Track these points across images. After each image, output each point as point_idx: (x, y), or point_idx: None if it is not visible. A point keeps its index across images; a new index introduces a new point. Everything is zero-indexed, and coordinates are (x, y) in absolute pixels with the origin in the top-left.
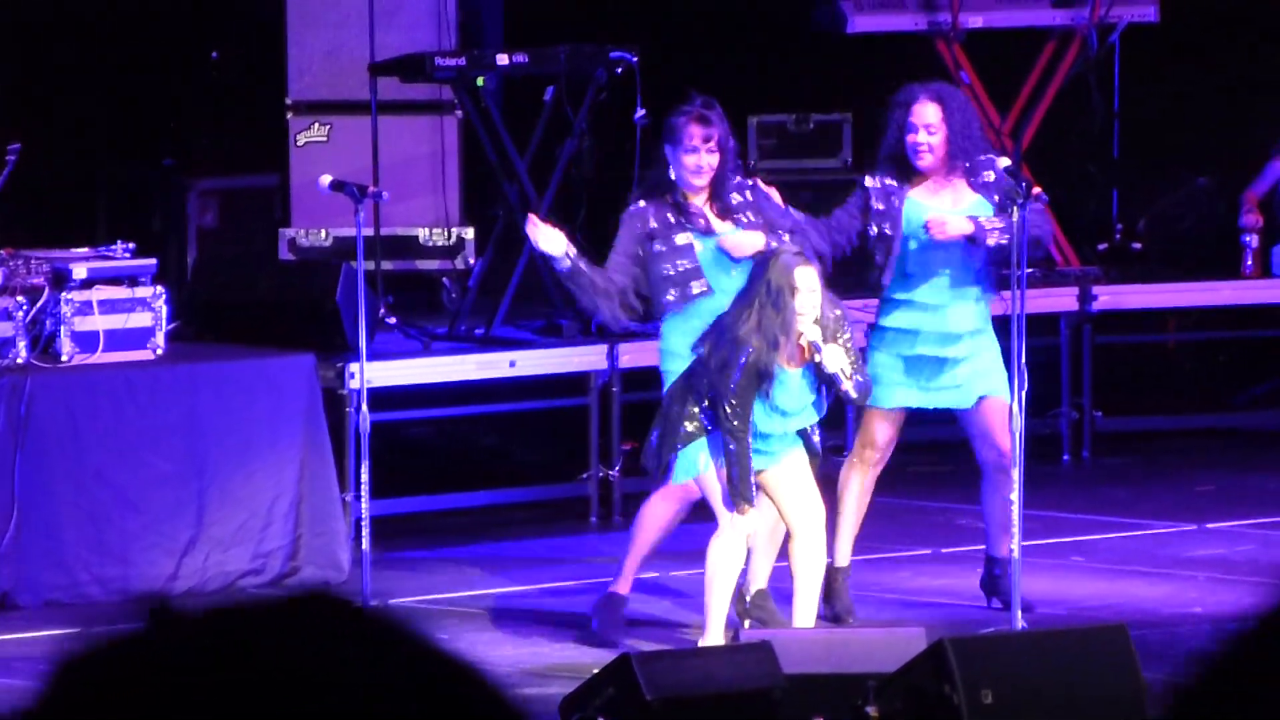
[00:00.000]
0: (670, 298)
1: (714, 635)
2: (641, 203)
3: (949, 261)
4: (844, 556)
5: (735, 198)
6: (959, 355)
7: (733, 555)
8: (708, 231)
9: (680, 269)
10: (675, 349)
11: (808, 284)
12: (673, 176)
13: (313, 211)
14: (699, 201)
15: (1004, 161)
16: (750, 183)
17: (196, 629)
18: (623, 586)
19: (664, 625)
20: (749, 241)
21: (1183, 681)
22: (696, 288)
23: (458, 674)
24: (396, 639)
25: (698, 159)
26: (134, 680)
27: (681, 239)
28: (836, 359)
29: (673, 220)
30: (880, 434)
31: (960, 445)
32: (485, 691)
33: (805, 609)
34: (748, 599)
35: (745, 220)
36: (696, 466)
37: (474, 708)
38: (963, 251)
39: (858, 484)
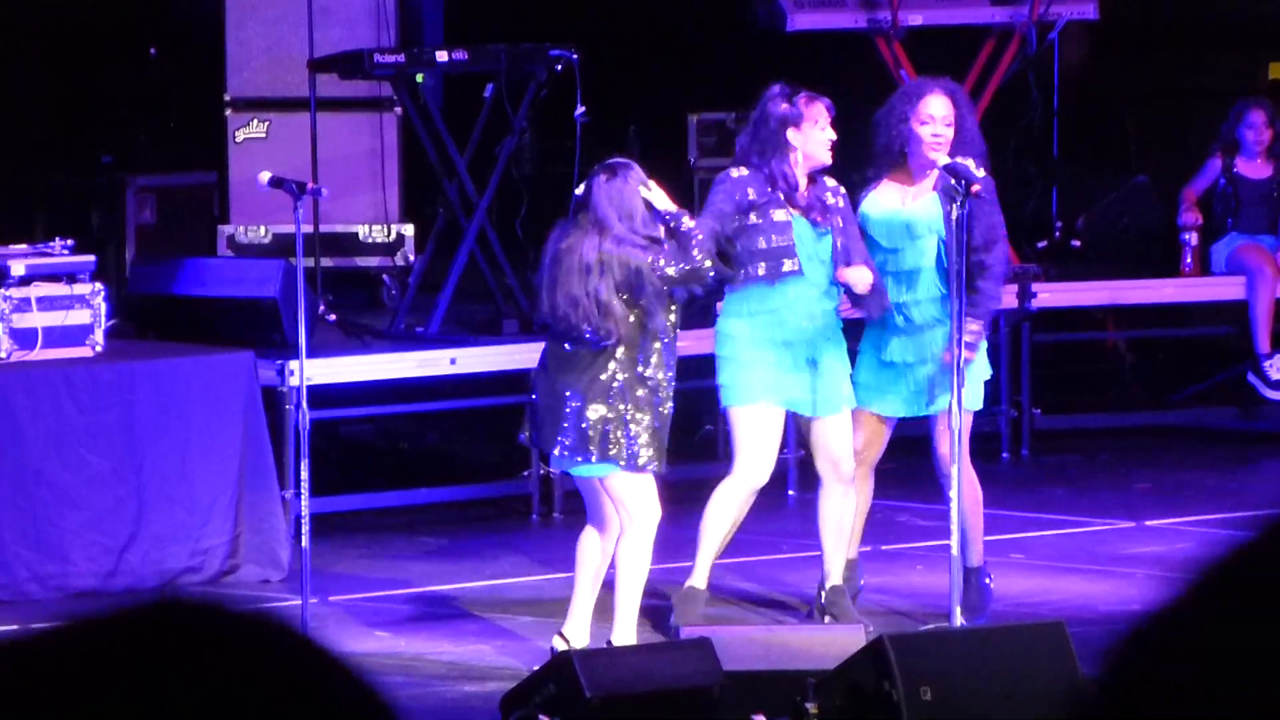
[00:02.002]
0: (760, 272)
1: (625, 633)
2: (741, 171)
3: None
4: (849, 549)
5: (829, 198)
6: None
7: (643, 554)
8: (809, 215)
9: (775, 244)
10: (731, 332)
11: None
12: (796, 158)
13: (252, 208)
14: (803, 184)
15: (943, 159)
16: (842, 190)
17: (44, 648)
18: (699, 580)
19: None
20: (860, 278)
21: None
22: (788, 265)
23: (329, 674)
24: (272, 644)
25: (832, 135)
26: None
27: (780, 215)
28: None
29: (772, 194)
30: (854, 438)
31: (901, 443)
32: (357, 690)
33: (627, 617)
34: (823, 595)
35: (831, 220)
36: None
37: (343, 707)
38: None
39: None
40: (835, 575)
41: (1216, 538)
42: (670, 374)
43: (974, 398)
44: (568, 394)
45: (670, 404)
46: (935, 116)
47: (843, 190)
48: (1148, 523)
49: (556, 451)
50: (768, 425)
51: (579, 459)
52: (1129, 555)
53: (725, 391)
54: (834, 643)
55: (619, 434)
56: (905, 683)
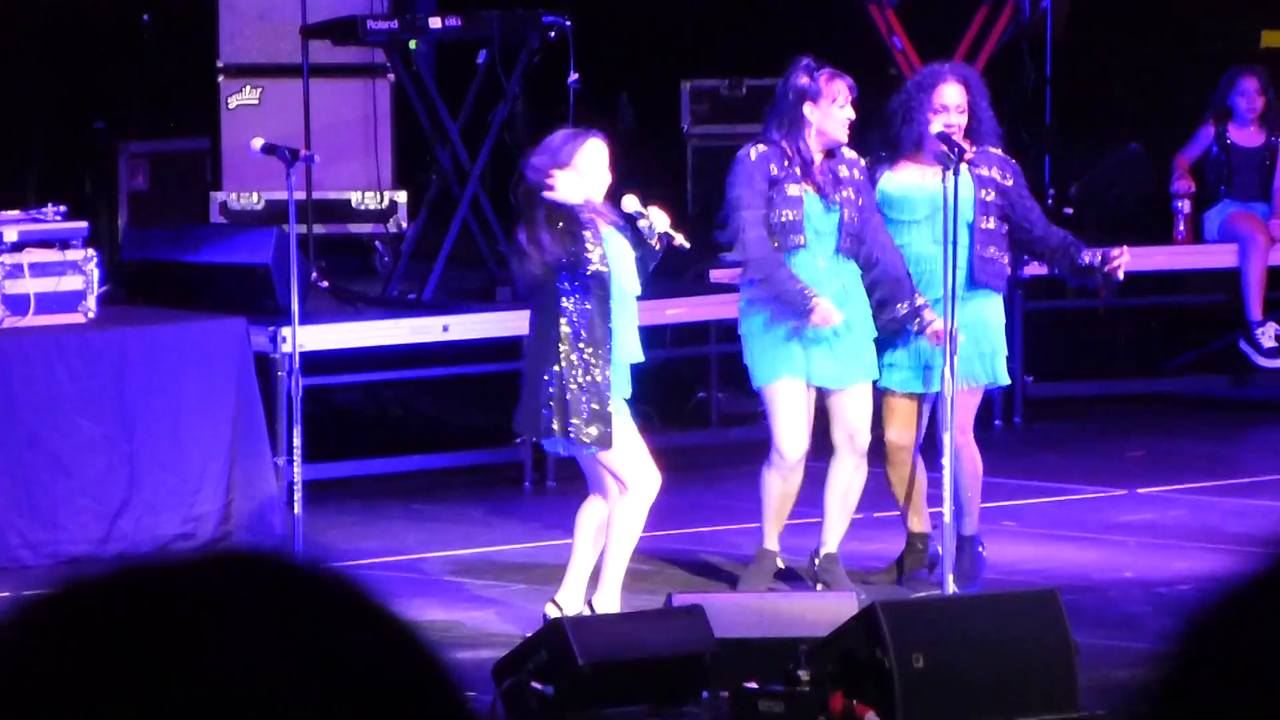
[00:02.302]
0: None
1: (610, 597)
2: (759, 149)
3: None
4: (914, 525)
5: (842, 170)
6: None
7: (634, 521)
8: (821, 190)
9: (785, 219)
10: (748, 307)
11: (605, 158)
12: (810, 133)
13: (244, 175)
14: (818, 159)
15: (936, 126)
16: (861, 162)
17: (113, 590)
18: (769, 543)
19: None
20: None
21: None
22: (794, 240)
23: (393, 634)
24: (329, 597)
25: (850, 114)
26: (46, 648)
27: (793, 190)
28: (663, 220)
29: (789, 169)
30: (889, 425)
31: None
32: (419, 651)
33: (612, 582)
34: (817, 562)
35: (840, 193)
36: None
37: (405, 668)
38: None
39: (892, 476)
40: (831, 544)
41: (1209, 505)
42: (605, 350)
43: (1002, 372)
44: (533, 373)
45: (604, 375)
46: (949, 105)
47: (861, 162)
48: (1140, 490)
49: (522, 425)
50: (792, 400)
51: (536, 436)
52: (1121, 523)
53: (752, 372)
54: (826, 610)
55: (561, 413)
56: (897, 650)
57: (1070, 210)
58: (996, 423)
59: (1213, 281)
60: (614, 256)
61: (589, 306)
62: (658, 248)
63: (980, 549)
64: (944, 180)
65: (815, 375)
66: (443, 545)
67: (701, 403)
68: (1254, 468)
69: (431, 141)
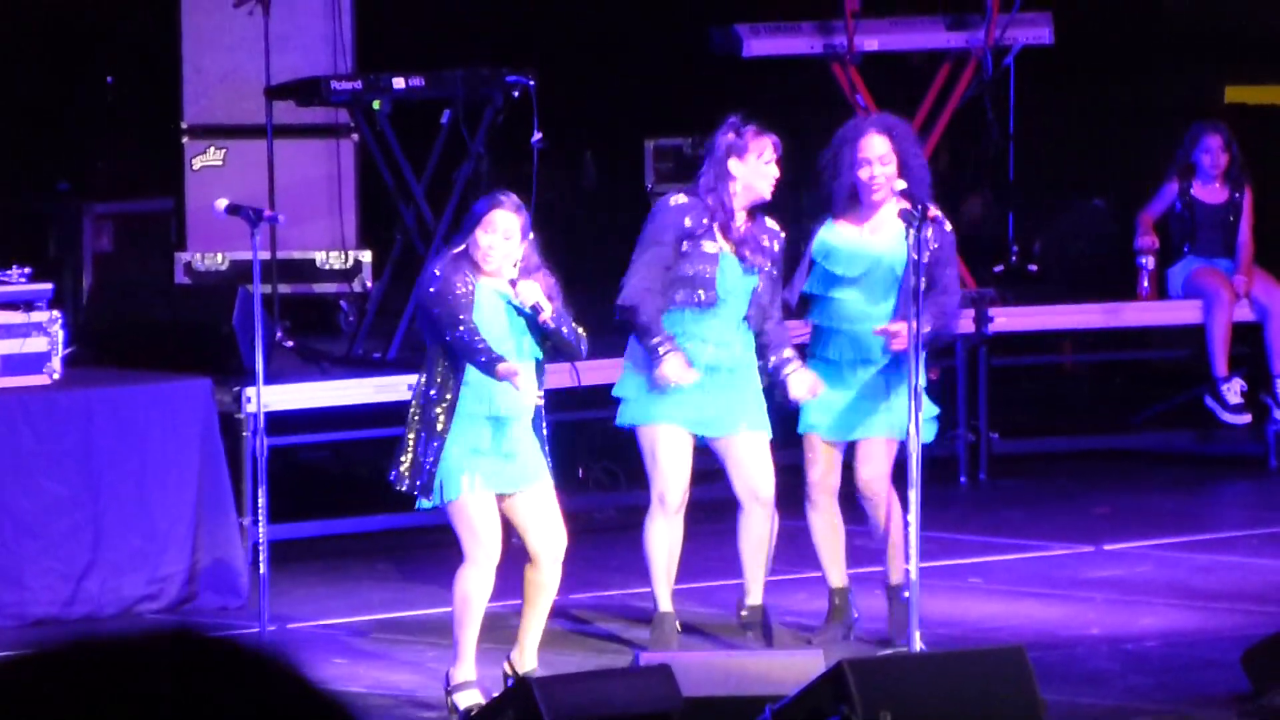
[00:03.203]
0: (678, 298)
1: (465, 667)
2: (680, 199)
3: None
4: (834, 579)
5: (764, 239)
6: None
7: (482, 585)
8: (739, 251)
9: (698, 273)
10: (637, 373)
11: (505, 227)
12: (736, 187)
13: (209, 235)
14: (740, 217)
15: (899, 184)
16: (781, 235)
17: (56, 667)
18: (663, 605)
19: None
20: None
21: None
22: (702, 295)
23: (322, 710)
24: (266, 675)
25: (775, 172)
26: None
27: (710, 246)
28: (531, 292)
29: (708, 225)
30: (811, 467)
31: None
32: None
33: (533, 636)
34: (743, 614)
35: (750, 257)
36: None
37: None
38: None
39: (814, 520)
40: (755, 594)
41: (1175, 561)
42: (448, 403)
43: (928, 429)
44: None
45: (439, 427)
46: (871, 158)
47: (782, 234)
48: (1106, 547)
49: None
50: (674, 446)
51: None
52: (1088, 579)
53: (626, 408)
54: (793, 668)
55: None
56: (865, 708)
57: (1034, 267)
58: (962, 479)
59: (1177, 337)
60: (485, 320)
61: (439, 364)
62: (541, 322)
63: (905, 595)
64: (907, 237)
65: (693, 422)
66: (407, 605)
67: None
68: (1220, 523)
69: (396, 201)
